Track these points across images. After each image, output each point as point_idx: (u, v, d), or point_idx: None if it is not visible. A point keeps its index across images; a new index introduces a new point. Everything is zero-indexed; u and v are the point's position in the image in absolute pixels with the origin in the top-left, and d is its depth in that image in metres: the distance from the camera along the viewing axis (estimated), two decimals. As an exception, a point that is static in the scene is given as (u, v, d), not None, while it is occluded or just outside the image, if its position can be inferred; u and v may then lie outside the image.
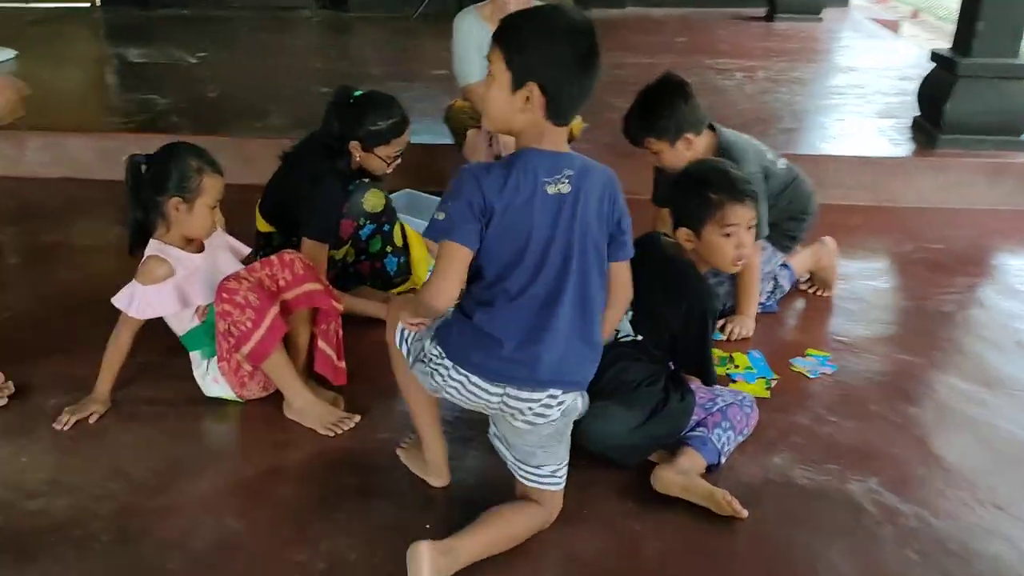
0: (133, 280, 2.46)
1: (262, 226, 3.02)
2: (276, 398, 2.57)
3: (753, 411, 2.47)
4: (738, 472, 2.36)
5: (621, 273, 2.05)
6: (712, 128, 3.01)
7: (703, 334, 2.26)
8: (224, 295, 2.42)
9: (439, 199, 3.45)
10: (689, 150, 2.90)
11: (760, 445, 2.47)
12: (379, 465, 2.38)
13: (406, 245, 3.16)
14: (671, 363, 2.38)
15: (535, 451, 2.05)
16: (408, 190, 3.93)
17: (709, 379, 2.34)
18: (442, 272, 1.90)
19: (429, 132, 4.34)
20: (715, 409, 2.40)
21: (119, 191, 2.55)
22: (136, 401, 2.62)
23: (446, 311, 1.99)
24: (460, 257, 1.89)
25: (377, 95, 2.90)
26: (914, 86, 4.94)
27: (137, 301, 2.44)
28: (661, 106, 2.85)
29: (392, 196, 3.69)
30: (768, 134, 4.58)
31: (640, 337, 2.32)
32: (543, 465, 2.07)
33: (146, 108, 4.72)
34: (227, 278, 2.45)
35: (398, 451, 2.40)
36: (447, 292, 1.90)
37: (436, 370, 2.01)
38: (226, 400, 2.60)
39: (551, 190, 1.88)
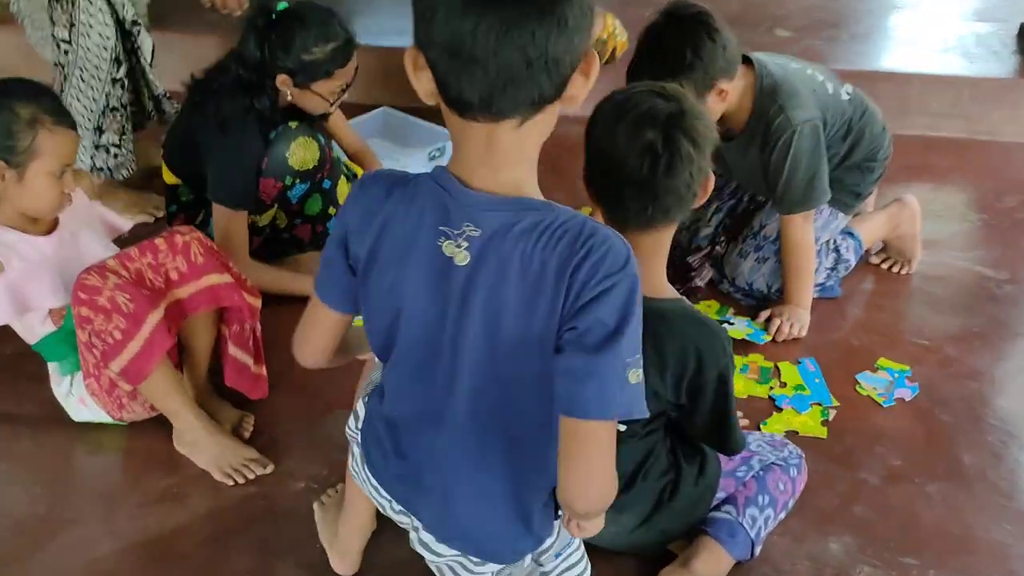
0: (-52, 276, 1.79)
1: (168, 177, 2.31)
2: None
3: (801, 473, 1.78)
4: (777, 566, 1.71)
5: (571, 434, 1.11)
6: (747, 60, 2.21)
7: (722, 402, 1.51)
8: (81, 295, 1.76)
9: (428, 124, 2.59)
10: (723, 102, 2.13)
11: (810, 519, 1.81)
12: (288, 537, 1.75)
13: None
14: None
15: None
16: (385, 108, 3.16)
17: (728, 449, 1.62)
18: (302, 326, 1.33)
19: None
20: (749, 477, 1.72)
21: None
22: (-13, 418, 2.01)
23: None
24: (322, 315, 1.27)
25: (307, 9, 2.10)
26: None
27: (-49, 308, 1.77)
28: (679, 54, 2.03)
29: (362, 119, 2.97)
30: (839, 42, 3.72)
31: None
32: None
33: (86, -7, 3.94)
34: (88, 271, 1.78)
35: (315, 505, 1.77)
36: (302, 351, 1.34)
37: (352, 445, 1.42)
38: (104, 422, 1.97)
39: (446, 249, 1.10)
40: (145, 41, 2.51)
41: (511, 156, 1.06)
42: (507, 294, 1.08)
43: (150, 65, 2.54)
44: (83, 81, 2.43)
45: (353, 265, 1.17)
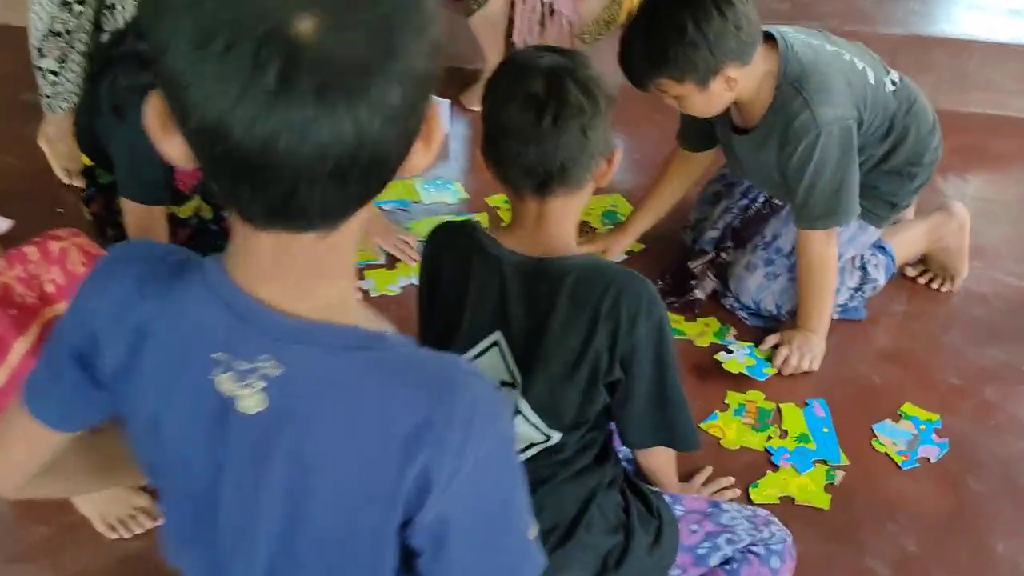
0: None
1: (84, 158, 2.01)
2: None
3: (785, 562, 1.45)
4: None
5: None
6: (771, 37, 1.83)
7: (660, 366, 1.27)
8: (-70, 317, 1.48)
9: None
10: (730, 90, 1.76)
11: (799, 622, 1.49)
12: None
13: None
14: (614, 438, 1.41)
15: None
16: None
17: (678, 440, 1.37)
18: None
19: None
20: (716, 562, 1.40)
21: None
22: None
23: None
24: (30, 430, 0.87)
25: None
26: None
27: None
28: (678, 26, 1.67)
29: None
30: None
31: (553, 436, 1.28)
32: None
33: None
34: (-61, 287, 1.50)
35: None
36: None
37: None
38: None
39: (223, 385, 0.74)
40: None
41: (319, 270, 0.73)
42: (322, 465, 0.74)
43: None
44: None
45: (95, 376, 0.83)
